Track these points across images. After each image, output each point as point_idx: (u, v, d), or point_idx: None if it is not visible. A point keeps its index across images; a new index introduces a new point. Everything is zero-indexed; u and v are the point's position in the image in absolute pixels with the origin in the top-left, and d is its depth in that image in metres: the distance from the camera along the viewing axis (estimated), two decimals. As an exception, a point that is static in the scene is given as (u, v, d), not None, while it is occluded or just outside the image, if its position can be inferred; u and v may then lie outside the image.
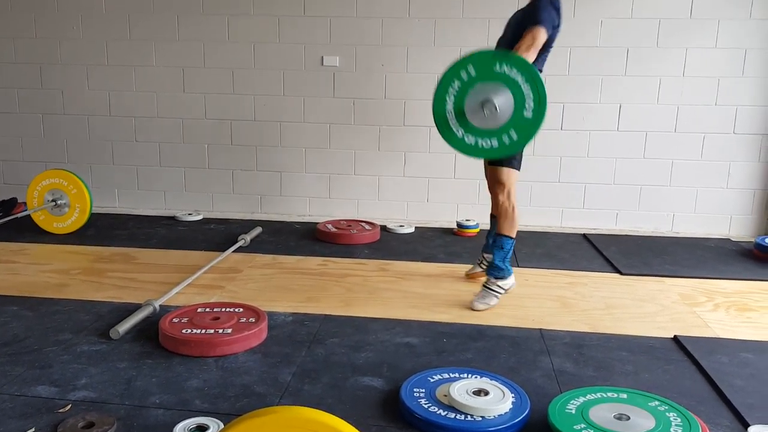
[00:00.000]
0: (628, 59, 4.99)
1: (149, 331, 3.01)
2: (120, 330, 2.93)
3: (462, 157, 5.14)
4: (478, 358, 2.83)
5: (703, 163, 5.11)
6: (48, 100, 5.64)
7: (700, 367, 2.76)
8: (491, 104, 2.90)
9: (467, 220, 5.06)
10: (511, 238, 3.46)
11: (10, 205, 5.35)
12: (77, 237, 4.76)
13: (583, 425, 2.13)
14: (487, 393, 2.35)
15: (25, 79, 5.62)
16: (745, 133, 5.03)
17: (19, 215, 4.84)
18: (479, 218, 5.03)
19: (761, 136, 5.02)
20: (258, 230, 4.92)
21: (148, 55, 5.45)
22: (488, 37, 4.81)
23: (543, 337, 3.08)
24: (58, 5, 5.44)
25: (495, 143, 2.99)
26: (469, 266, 4.13)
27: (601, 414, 2.20)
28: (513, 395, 2.36)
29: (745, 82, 4.94)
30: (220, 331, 2.86)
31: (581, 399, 2.31)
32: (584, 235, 5.08)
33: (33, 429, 2.18)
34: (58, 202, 4.81)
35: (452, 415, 2.23)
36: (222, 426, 2.16)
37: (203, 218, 5.47)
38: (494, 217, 3.74)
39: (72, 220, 4.84)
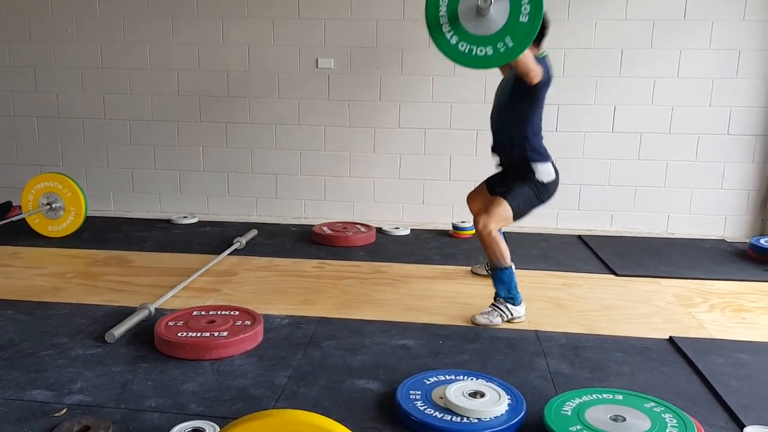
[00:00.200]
0: (623, 60, 5.01)
1: (145, 335, 3.01)
2: (115, 333, 2.92)
3: (457, 159, 5.19)
4: (473, 360, 2.83)
5: (697, 164, 5.13)
6: (43, 104, 5.63)
7: (695, 368, 2.76)
8: None
9: (463, 222, 5.06)
10: (505, 267, 3.30)
11: (5, 208, 5.34)
12: (72, 240, 4.75)
13: (579, 427, 2.14)
14: (483, 395, 2.35)
15: (20, 82, 5.61)
16: (739, 134, 5.04)
17: (14, 219, 4.84)
18: (475, 220, 5.03)
19: (755, 137, 5.04)
20: (253, 233, 4.91)
21: (143, 58, 5.44)
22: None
23: (539, 338, 3.09)
24: (52, 9, 5.44)
25: (490, 51, 2.85)
26: (466, 268, 4.15)
27: (597, 415, 2.21)
28: (509, 397, 2.36)
29: (739, 83, 4.96)
30: (216, 334, 2.86)
31: (577, 400, 2.31)
32: (579, 237, 5.09)
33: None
34: (53, 205, 4.80)
35: (448, 417, 2.23)
36: (218, 429, 2.16)
37: (198, 221, 5.46)
38: None
39: (67, 224, 4.83)
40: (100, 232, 5.01)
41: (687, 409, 2.35)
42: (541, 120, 3.44)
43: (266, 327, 3.09)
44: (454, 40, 2.89)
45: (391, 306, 3.51)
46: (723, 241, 5.06)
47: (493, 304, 3.31)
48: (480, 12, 2.82)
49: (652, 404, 2.29)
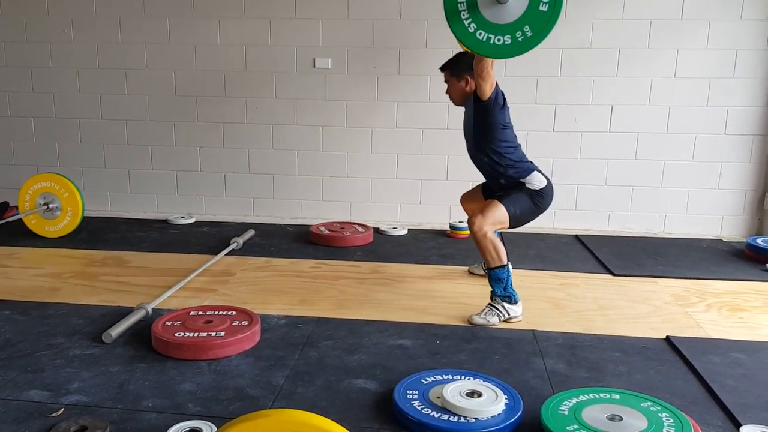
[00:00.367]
0: (620, 60, 5.01)
1: (142, 335, 3.00)
2: (112, 334, 2.92)
3: (454, 159, 5.19)
4: (471, 360, 2.83)
5: (694, 163, 5.13)
6: (40, 104, 5.62)
7: (692, 368, 2.77)
8: None
9: (460, 222, 5.05)
10: (502, 267, 3.29)
11: (2, 209, 5.33)
12: (69, 241, 4.75)
13: (575, 426, 2.14)
14: (480, 394, 2.35)
15: (17, 82, 5.60)
16: (736, 134, 5.05)
17: (11, 219, 4.83)
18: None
19: (752, 136, 5.05)
20: (251, 233, 4.91)
21: (140, 58, 5.44)
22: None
23: (536, 338, 3.09)
24: (48, 9, 5.43)
25: (508, 40, 2.82)
26: (464, 267, 4.16)
27: (594, 415, 2.21)
28: (506, 397, 2.36)
29: (736, 83, 4.97)
30: (213, 334, 2.86)
31: (574, 400, 2.32)
32: (576, 236, 5.09)
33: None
34: (50, 205, 4.80)
35: (445, 417, 2.23)
36: (215, 429, 2.16)
37: (196, 221, 5.46)
38: None
39: (64, 224, 4.82)
40: (97, 233, 5.01)
41: (684, 408, 2.36)
42: (514, 137, 3.50)
43: (263, 327, 3.09)
44: (472, 28, 2.87)
45: (389, 306, 3.51)
46: (720, 240, 5.06)
47: (490, 303, 3.31)
48: (499, 0, 2.81)
49: (649, 404, 2.30)
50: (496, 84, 3.29)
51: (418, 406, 2.30)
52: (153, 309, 3.25)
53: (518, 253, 4.51)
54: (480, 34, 2.86)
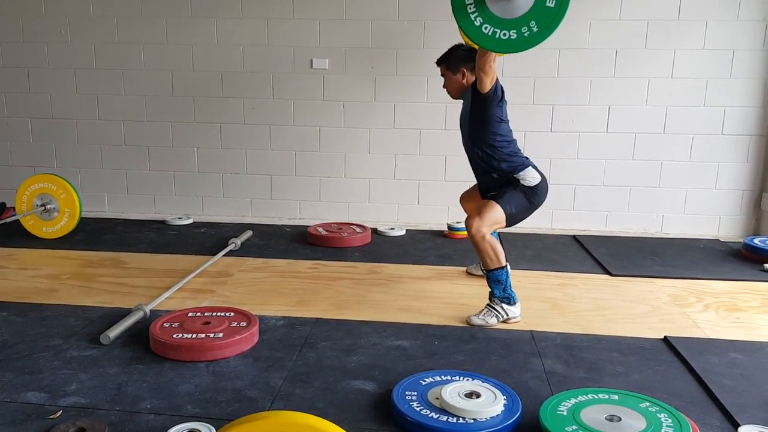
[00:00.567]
0: (617, 61, 5.02)
1: (140, 336, 3.00)
2: (110, 335, 2.91)
3: (452, 160, 5.19)
4: (469, 361, 2.83)
5: (691, 164, 5.14)
6: (36, 104, 5.61)
7: (690, 368, 2.77)
8: None
9: (458, 222, 5.06)
10: (501, 268, 3.29)
11: (-1, 210, 5.32)
12: (66, 242, 4.74)
13: (574, 427, 2.14)
14: (478, 395, 2.35)
15: (13, 83, 5.59)
16: (733, 134, 5.06)
17: (8, 220, 4.81)
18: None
19: (749, 136, 5.06)
20: (248, 234, 4.91)
21: (137, 58, 5.43)
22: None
23: (534, 338, 3.09)
24: (45, 9, 5.42)
25: (513, 35, 2.83)
26: (462, 268, 4.17)
27: (593, 415, 2.21)
28: (504, 397, 2.36)
29: (733, 83, 4.98)
30: (211, 335, 2.86)
31: (572, 400, 2.32)
32: (574, 237, 5.10)
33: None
34: (47, 206, 4.79)
35: (444, 418, 2.23)
36: (214, 431, 2.16)
37: (193, 222, 5.46)
38: None
39: (61, 225, 4.81)
40: (94, 234, 5.00)
41: (682, 408, 2.36)
42: (510, 131, 3.49)
43: (261, 328, 3.08)
44: (478, 22, 2.86)
45: (387, 307, 3.51)
46: (717, 240, 5.07)
47: (488, 304, 3.31)
48: None
49: (648, 404, 2.30)
50: (496, 78, 3.29)
51: (417, 407, 2.30)
52: (151, 310, 3.25)
53: (516, 253, 4.51)
54: (486, 28, 2.86)
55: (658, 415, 2.22)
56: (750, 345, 3.06)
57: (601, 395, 2.37)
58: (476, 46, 3.13)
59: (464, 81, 3.50)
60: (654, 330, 3.22)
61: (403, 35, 5.13)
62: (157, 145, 5.58)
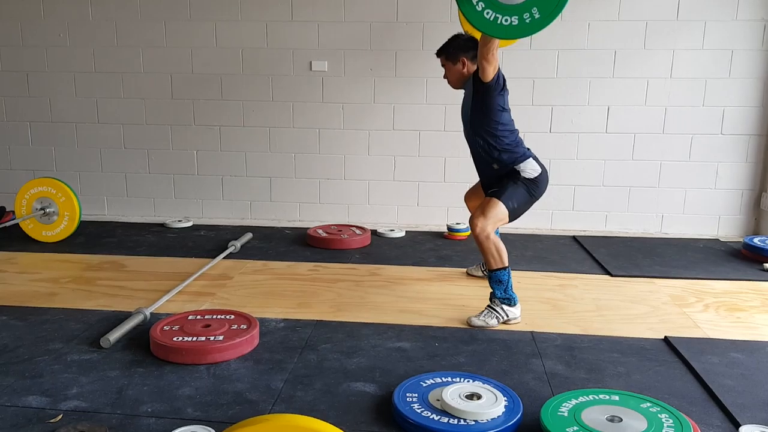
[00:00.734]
0: (616, 61, 5.02)
1: (140, 340, 3.00)
2: (111, 339, 2.91)
3: (451, 161, 5.19)
4: (470, 362, 2.83)
5: (691, 164, 5.14)
6: (35, 108, 5.61)
7: (690, 368, 2.77)
8: None
9: (457, 224, 5.06)
10: (503, 269, 3.30)
11: (-1, 213, 5.32)
12: (66, 245, 4.74)
13: (575, 428, 2.14)
14: (479, 397, 2.35)
15: (12, 87, 5.59)
16: (732, 134, 5.06)
17: (8, 224, 4.81)
18: (470, 221, 5.04)
19: (749, 136, 5.06)
20: (248, 236, 4.91)
21: (136, 62, 5.43)
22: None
23: (534, 339, 3.09)
24: (44, 13, 5.42)
25: (515, 21, 2.81)
26: (462, 269, 4.16)
27: (594, 416, 2.21)
28: (505, 399, 2.36)
29: (732, 83, 4.98)
30: (212, 338, 2.85)
31: (573, 401, 2.32)
32: (574, 237, 5.10)
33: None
34: (47, 210, 4.79)
35: (445, 420, 2.23)
36: (214, 434, 2.16)
37: (193, 225, 5.46)
38: None
39: (61, 229, 4.81)
40: (94, 237, 5.00)
41: (683, 408, 2.36)
42: (512, 121, 3.47)
43: (262, 331, 3.08)
44: (480, 7, 2.85)
45: (387, 308, 3.51)
46: (717, 240, 5.07)
47: (488, 305, 3.31)
48: None
49: (648, 404, 2.30)
50: (499, 67, 3.28)
51: (418, 408, 2.30)
52: (151, 313, 3.25)
53: (516, 254, 4.50)
54: (488, 13, 2.85)
55: (659, 415, 2.22)
56: (750, 345, 3.06)
57: (601, 396, 2.37)
58: (477, 35, 3.13)
59: (465, 70, 3.48)
60: (654, 330, 3.22)
61: (402, 37, 5.13)
62: (157, 148, 5.58)
